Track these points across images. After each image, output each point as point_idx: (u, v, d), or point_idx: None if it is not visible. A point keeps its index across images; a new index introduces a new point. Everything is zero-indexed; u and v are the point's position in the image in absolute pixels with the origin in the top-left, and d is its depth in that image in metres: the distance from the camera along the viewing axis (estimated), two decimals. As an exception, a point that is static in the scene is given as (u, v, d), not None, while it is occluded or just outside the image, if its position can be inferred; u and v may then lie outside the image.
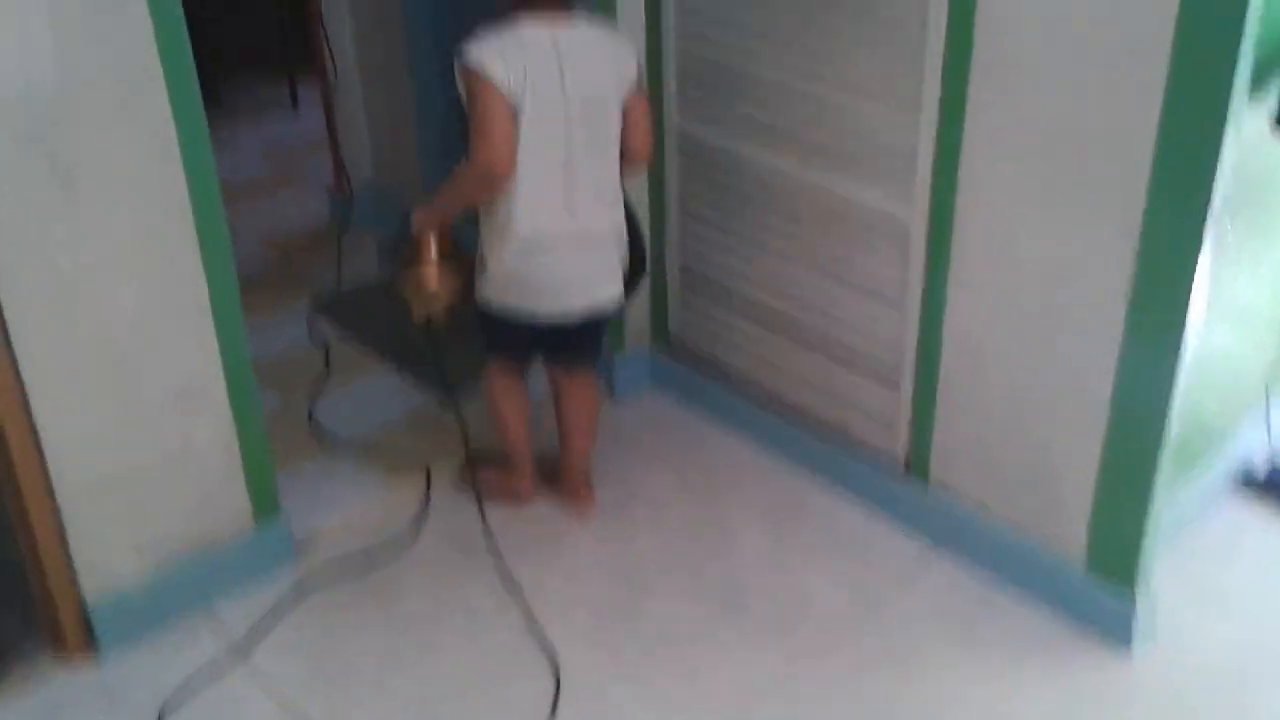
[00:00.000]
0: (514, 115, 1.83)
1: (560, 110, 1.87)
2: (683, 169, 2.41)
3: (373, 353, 2.77)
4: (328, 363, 2.71)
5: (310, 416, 2.51)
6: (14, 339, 1.64)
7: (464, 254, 2.06)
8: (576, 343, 2.12)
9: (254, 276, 3.10)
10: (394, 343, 2.77)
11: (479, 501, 2.20)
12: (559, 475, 2.29)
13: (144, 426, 1.84)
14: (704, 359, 2.56)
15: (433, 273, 2.03)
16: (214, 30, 4.31)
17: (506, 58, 1.82)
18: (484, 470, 2.28)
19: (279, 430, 2.46)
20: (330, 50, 3.04)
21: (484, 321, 2.07)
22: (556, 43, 1.86)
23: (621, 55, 1.95)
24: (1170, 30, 1.56)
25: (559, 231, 1.93)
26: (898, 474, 2.21)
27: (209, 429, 1.92)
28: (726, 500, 2.31)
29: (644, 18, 2.31)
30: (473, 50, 1.83)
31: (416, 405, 2.58)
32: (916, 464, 2.17)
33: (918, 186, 1.97)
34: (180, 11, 1.67)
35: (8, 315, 1.63)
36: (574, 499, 2.27)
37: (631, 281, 2.08)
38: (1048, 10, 1.69)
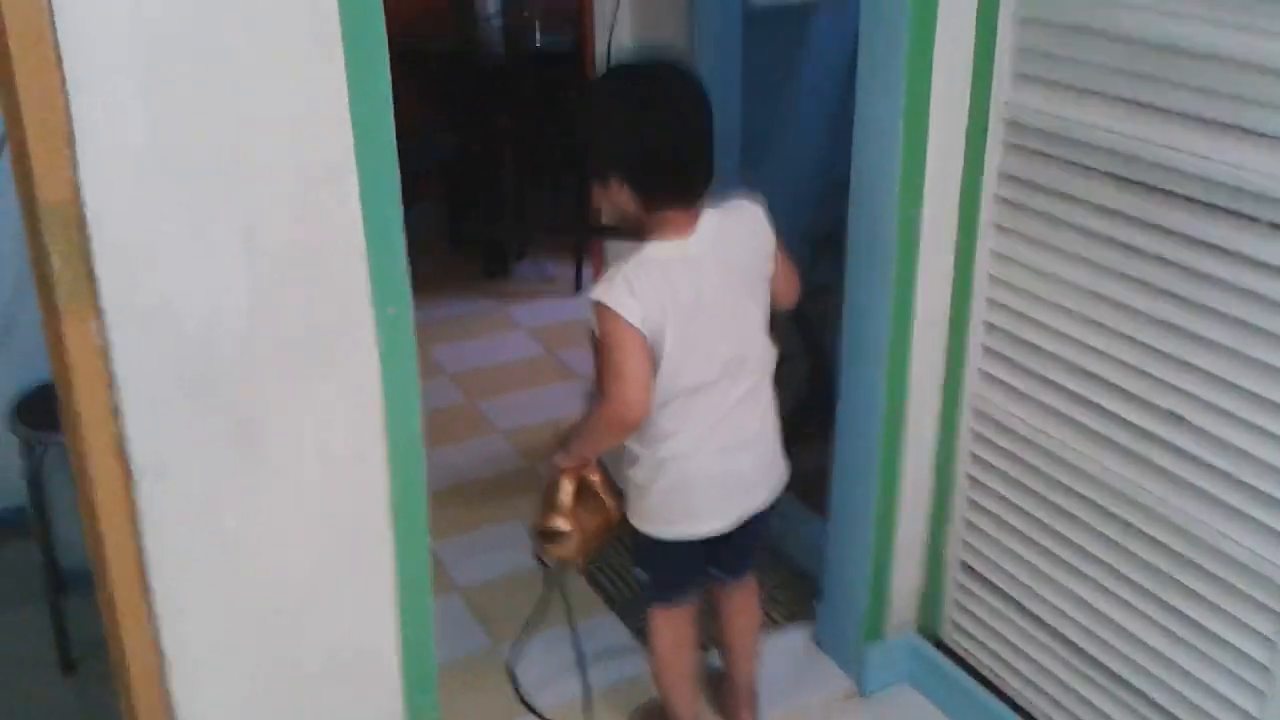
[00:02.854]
0: (652, 351, 1.68)
1: (707, 321, 1.71)
2: (976, 452, 1.99)
3: (598, 589, 2.48)
4: (544, 601, 2.42)
5: (510, 671, 2.23)
6: (158, 607, 1.45)
7: (616, 494, 1.87)
8: (742, 542, 1.91)
9: (492, 478, 2.94)
10: (621, 581, 2.47)
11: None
12: (721, 696, 2.12)
13: (298, 702, 1.60)
14: (978, 670, 2.09)
15: (563, 521, 1.83)
16: (517, 202, 4.34)
17: (637, 289, 1.64)
18: None
19: (473, 682, 2.20)
20: (604, 248, 2.87)
21: (649, 558, 1.89)
22: (691, 251, 1.69)
23: (758, 229, 1.76)
24: None
25: (722, 444, 1.78)
26: None
27: (374, 706, 1.67)
28: None
29: (953, 271, 1.95)
30: (600, 288, 1.67)
31: (634, 665, 2.24)
32: None
33: (1305, 539, 1.47)
34: (402, 249, 1.47)
35: (154, 586, 1.44)
36: None
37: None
38: None
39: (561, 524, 1.84)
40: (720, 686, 2.12)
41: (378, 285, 1.46)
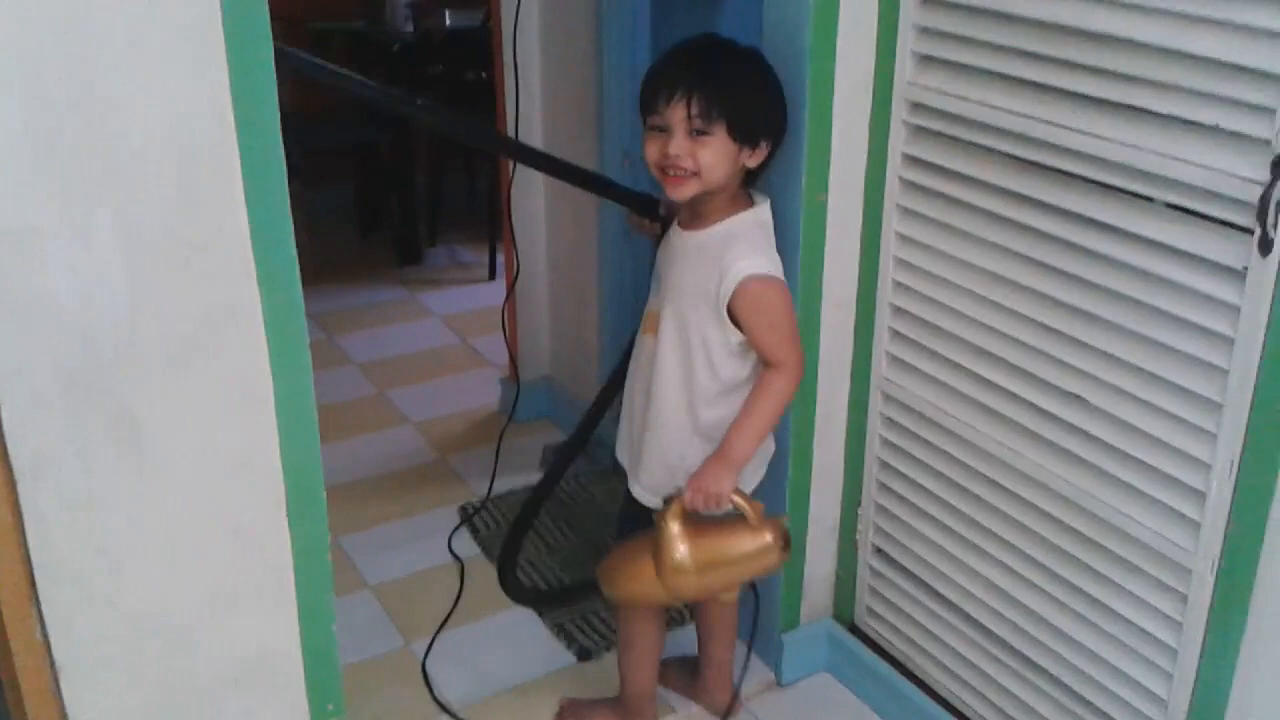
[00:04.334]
0: None
1: None
2: (885, 435, 1.99)
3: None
4: (459, 595, 2.38)
5: (424, 669, 2.18)
6: (47, 617, 1.38)
7: None
8: None
9: (403, 471, 2.87)
10: (536, 574, 2.43)
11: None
12: (698, 680, 2.08)
13: (197, 710, 1.54)
14: (893, 656, 2.10)
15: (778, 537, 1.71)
16: (430, 185, 4.26)
17: (770, 250, 1.71)
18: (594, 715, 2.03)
19: (383, 682, 2.15)
20: (514, 237, 2.81)
21: None
22: (767, 216, 1.76)
23: None
24: None
25: None
26: None
27: (278, 712, 1.61)
28: None
29: (859, 254, 1.95)
30: (747, 262, 1.66)
31: (551, 661, 2.21)
32: None
33: (1208, 518, 1.48)
34: (289, 232, 1.41)
35: (41, 591, 1.37)
36: (717, 704, 2.08)
37: None
38: None
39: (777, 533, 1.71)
40: (692, 670, 2.09)
41: (264, 271, 1.40)
